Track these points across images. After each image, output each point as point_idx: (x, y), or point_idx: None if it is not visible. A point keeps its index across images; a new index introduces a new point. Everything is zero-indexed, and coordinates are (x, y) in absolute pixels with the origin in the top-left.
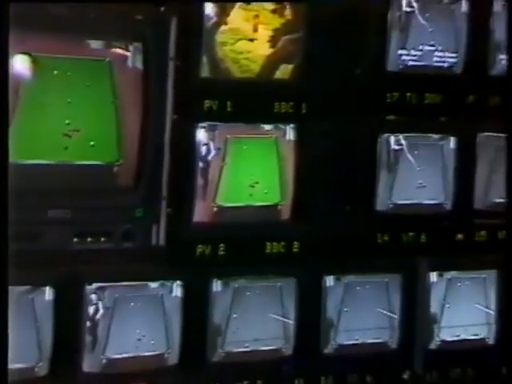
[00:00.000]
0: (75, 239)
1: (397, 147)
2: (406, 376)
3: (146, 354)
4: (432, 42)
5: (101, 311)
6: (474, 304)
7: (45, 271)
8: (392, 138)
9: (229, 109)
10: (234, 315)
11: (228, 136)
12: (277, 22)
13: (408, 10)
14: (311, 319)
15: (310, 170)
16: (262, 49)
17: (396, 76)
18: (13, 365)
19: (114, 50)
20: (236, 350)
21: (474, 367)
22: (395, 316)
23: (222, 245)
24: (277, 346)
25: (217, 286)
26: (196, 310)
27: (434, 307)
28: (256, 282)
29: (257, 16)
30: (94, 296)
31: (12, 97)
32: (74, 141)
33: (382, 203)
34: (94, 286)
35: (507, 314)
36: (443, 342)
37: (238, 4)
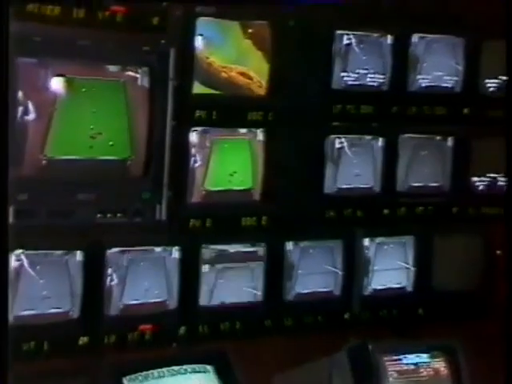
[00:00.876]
0: (98, 215)
1: (339, 146)
2: (346, 316)
3: (152, 300)
4: (366, 67)
5: (118, 269)
6: (396, 261)
7: (76, 239)
8: (336, 140)
9: (214, 117)
10: (220, 275)
11: (213, 137)
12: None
13: (347, 42)
14: (277, 275)
15: (276, 163)
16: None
17: (339, 92)
18: (52, 310)
19: (127, 73)
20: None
21: (397, 308)
22: (339, 271)
23: (208, 219)
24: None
25: (205, 250)
26: (190, 268)
27: (367, 264)
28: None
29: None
30: (113, 258)
31: (50, 108)
32: (97, 141)
33: (328, 188)
34: (113, 250)
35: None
36: (374, 289)
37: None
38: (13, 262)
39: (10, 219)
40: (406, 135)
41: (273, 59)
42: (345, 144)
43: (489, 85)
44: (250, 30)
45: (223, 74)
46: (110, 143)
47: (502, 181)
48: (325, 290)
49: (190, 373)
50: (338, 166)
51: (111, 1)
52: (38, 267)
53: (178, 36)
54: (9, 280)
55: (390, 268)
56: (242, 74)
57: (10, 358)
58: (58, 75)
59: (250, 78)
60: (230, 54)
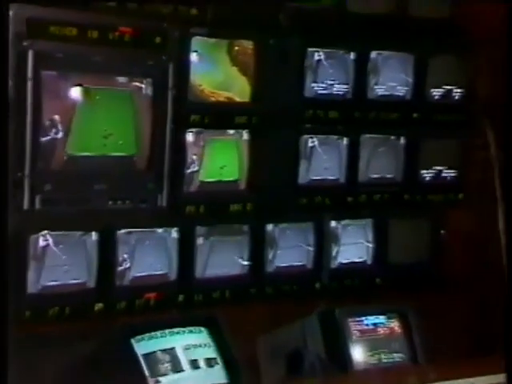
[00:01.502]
0: (110, 202)
1: (311, 144)
2: (317, 286)
3: (155, 273)
4: (332, 79)
5: (127, 247)
6: (358, 239)
7: (92, 222)
8: (308, 139)
9: (206, 120)
10: (212, 248)
11: (206, 137)
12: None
13: (317, 58)
14: (259, 251)
15: (258, 158)
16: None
17: (310, 100)
18: (72, 281)
19: (133, 83)
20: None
21: (359, 279)
22: (311, 248)
23: (202, 206)
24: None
25: (199, 231)
26: (186, 246)
27: (334, 242)
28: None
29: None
30: (122, 237)
31: (70, 113)
32: (109, 141)
33: (302, 179)
34: (123, 231)
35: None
36: (340, 263)
37: None
38: (40, 242)
39: (37, 206)
40: (367, 135)
41: (255, 80)
42: (316, 143)
43: (434, 93)
44: (236, 56)
45: (212, 98)
46: (120, 142)
47: (445, 173)
48: (299, 263)
49: (187, 333)
50: (310, 161)
51: (120, 23)
52: (60, 246)
53: (176, 52)
54: (36, 257)
55: (353, 245)
56: (228, 98)
57: (10, 353)
58: (77, 85)
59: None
60: (219, 81)
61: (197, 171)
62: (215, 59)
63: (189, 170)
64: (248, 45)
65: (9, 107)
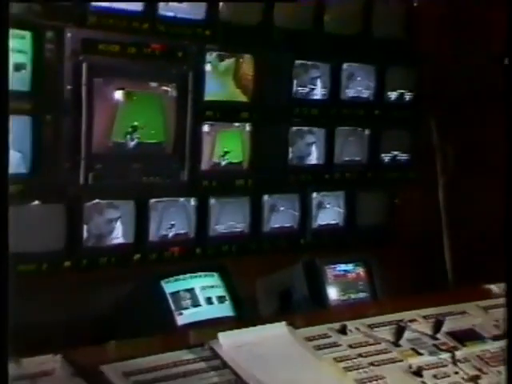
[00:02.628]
0: (144, 178)
1: (297, 134)
2: (302, 242)
3: (178, 232)
4: (314, 84)
5: (157, 212)
6: (333, 207)
7: (130, 193)
8: (296, 130)
9: (218, 115)
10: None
11: (217, 129)
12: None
13: (303, 68)
14: (257, 216)
15: (258, 145)
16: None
17: (297, 100)
18: (116, 238)
19: (162, 87)
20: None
21: (333, 236)
22: (297, 213)
23: (214, 181)
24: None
25: (211, 200)
26: (202, 212)
27: (315, 208)
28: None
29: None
30: (153, 205)
31: (114, 110)
32: (143, 131)
33: (291, 161)
34: (153, 200)
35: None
36: (319, 224)
37: None
38: (92, 208)
39: (90, 181)
40: (340, 128)
41: (255, 91)
42: (301, 133)
43: (390, 96)
44: (240, 80)
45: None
46: (152, 132)
47: (399, 156)
48: (288, 225)
49: (203, 277)
50: (298, 147)
51: (152, 41)
52: (107, 211)
53: (193, 64)
54: (89, 220)
55: (329, 211)
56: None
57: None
58: (119, 89)
59: None
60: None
61: (210, 154)
62: (223, 83)
63: (204, 154)
64: (249, 63)
65: (8, 108)
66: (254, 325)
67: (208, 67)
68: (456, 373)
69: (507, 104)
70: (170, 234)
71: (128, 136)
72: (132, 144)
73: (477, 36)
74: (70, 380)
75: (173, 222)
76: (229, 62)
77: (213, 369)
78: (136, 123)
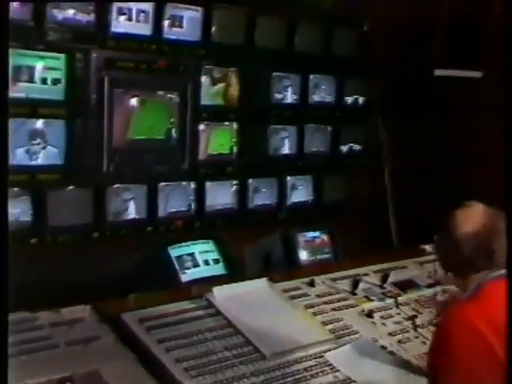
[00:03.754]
0: (153, 166)
1: (275, 131)
2: (279, 216)
3: (181, 209)
4: (288, 91)
5: (164, 193)
6: (303, 189)
7: (144, 178)
8: (274, 128)
9: (211, 117)
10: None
11: (211, 127)
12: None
13: (279, 78)
14: (244, 195)
15: (244, 140)
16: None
17: (274, 104)
18: (132, 213)
19: (168, 95)
20: (213, 210)
21: (304, 211)
22: (275, 193)
23: (209, 169)
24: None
25: (207, 184)
26: (201, 192)
27: (289, 190)
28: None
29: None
30: (161, 188)
31: (130, 113)
32: (153, 129)
33: (270, 152)
34: (162, 183)
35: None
36: (292, 202)
37: None
38: (113, 191)
39: (111, 169)
40: (309, 125)
41: (240, 97)
42: (278, 130)
43: (347, 100)
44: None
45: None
46: (160, 130)
47: (355, 148)
48: (268, 202)
49: (201, 244)
50: (275, 141)
51: (159, 59)
52: (125, 193)
53: (192, 77)
54: (110, 200)
55: (300, 191)
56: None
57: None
58: (134, 96)
59: None
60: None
61: (205, 147)
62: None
63: (201, 147)
64: (235, 76)
65: (8, 109)
66: (242, 281)
67: (203, 79)
68: (398, 314)
69: (507, 105)
70: (175, 211)
71: (140, 133)
72: (144, 140)
73: (413, 52)
74: (96, 326)
75: (176, 202)
76: (220, 77)
77: (209, 315)
78: (147, 123)
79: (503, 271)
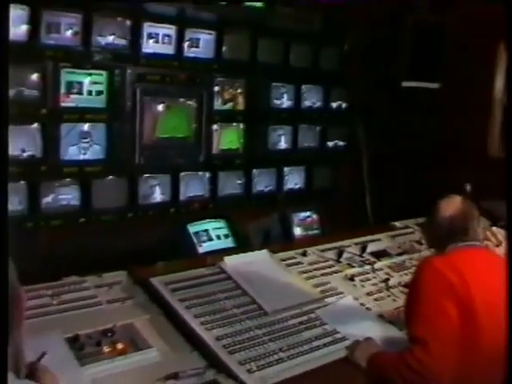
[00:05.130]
0: (177, 159)
1: (274, 130)
2: (278, 198)
3: (197, 194)
4: (283, 97)
5: (185, 182)
6: (297, 176)
7: (168, 169)
8: (272, 127)
9: (223, 119)
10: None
11: (223, 127)
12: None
13: (276, 88)
14: (249, 184)
15: (249, 138)
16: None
17: (273, 109)
18: (158, 196)
19: (187, 102)
20: (224, 195)
21: (298, 195)
22: (274, 180)
23: (220, 161)
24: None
25: (220, 174)
26: (213, 181)
27: (286, 177)
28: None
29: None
30: (183, 177)
31: (157, 116)
32: (176, 129)
33: (270, 147)
34: (183, 173)
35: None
36: (289, 188)
37: None
38: (144, 180)
39: (142, 162)
40: (301, 125)
41: (246, 103)
42: (277, 130)
43: (332, 105)
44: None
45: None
46: (182, 130)
47: (340, 144)
48: (268, 188)
49: (214, 222)
50: (274, 138)
51: (180, 73)
52: (154, 181)
53: (206, 86)
54: (143, 187)
55: (294, 179)
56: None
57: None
58: (161, 103)
59: None
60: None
61: (218, 144)
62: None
63: (214, 143)
64: (242, 85)
65: (8, 111)
66: (248, 252)
67: (216, 88)
68: (374, 277)
69: (508, 105)
70: (192, 196)
71: (166, 133)
72: (168, 138)
73: (382, 66)
74: (131, 287)
75: (194, 188)
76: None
77: (221, 280)
78: (171, 124)
79: (471, 242)
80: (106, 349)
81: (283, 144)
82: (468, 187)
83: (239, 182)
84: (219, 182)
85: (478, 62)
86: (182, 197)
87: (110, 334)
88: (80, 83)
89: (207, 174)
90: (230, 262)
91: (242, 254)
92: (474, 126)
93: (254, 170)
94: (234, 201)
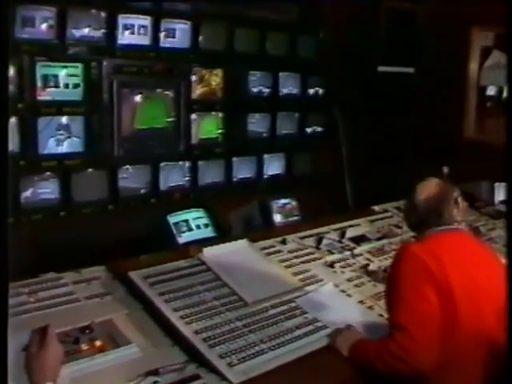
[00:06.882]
0: (157, 149)
1: (253, 118)
2: (258, 186)
3: (178, 183)
4: (262, 85)
5: (165, 171)
6: (277, 164)
7: (148, 160)
8: (251, 115)
9: (200, 107)
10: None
11: (200, 115)
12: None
13: (254, 76)
14: (229, 172)
15: (227, 126)
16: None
17: (251, 96)
18: (138, 186)
19: (165, 92)
20: (204, 184)
21: (278, 182)
22: (254, 168)
23: (200, 150)
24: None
25: (199, 163)
26: (193, 170)
27: (265, 164)
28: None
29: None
30: (163, 166)
31: (136, 107)
32: (155, 120)
33: (250, 135)
34: (163, 163)
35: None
36: (269, 175)
37: None
38: (123, 172)
39: (121, 154)
40: (280, 112)
41: (224, 91)
42: (255, 117)
43: (310, 92)
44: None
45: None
46: (160, 121)
47: (318, 129)
48: (249, 176)
49: (194, 212)
50: (253, 126)
51: (157, 64)
52: (132, 171)
53: (184, 76)
54: (121, 178)
55: (274, 165)
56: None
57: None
58: (139, 94)
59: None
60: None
61: (196, 133)
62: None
63: (193, 133)
64: (220, 74)
65: (8, 109)
66: (228, 242)
67: (193, 78)
68: (354, 263)
69: (509, 105)
70: (173, 185)
71: (144, 123)
72: (147, 129)
73: (358, 52)
74: (110, 282)
75: (175, 177)
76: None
77: (201, 272)
78: (150, 115)
79: (449, 226)
80: (84, 346)
81: (262, 132)
82: (446, 170)
83: (220, 170)
84: (199, 171)
85: (452, 47)
86: (162, 187)
87: (88, 331)
88: (56, 76)
89: (187, 164)
90: (209, 253)
91: (221, 245)
92: (450, 109)
93: (234, 159)
94: (214, 190)
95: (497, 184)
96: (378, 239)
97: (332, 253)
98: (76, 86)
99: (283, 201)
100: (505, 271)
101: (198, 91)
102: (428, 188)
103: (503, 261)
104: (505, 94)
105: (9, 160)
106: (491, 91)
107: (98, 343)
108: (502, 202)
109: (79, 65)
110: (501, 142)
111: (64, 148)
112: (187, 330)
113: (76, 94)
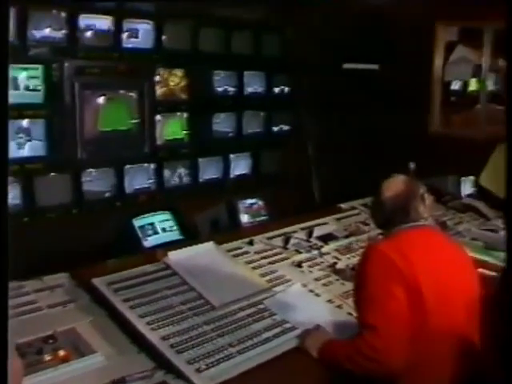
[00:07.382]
0: (119, 152)
1: (218, 118)
2: (225, 186)
3: (143, 186)
4: (227, 84)
5: (130, 174)
6: (244, 162)
7: (112, 162)
8: (217, 115)
9: (165, 109)
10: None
11: (165, 116)
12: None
13: (218, 76)
14: (196, 172)
15: (192, 127)
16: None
17: (217, 95)
18: (103, 189)
19: (128, 93)
20: (170, 185)
21: (252, 180)
22: (221, 168)
23: (165, 152)
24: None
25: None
26: (158, 172)
27: (232, 164)
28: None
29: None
30: (127, 169)
31: (99, 109)
32: (118, 121)
33: (214, 135)
34: (127, 166)
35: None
36: (235, 174)
37: None
38: (86, 175)
39: (84, 156)
40: (246, 111)
41: (189, 91)
42: (221, 116)
43: (275, 90)
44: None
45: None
46: (123, 122)
47: (284, 128)
48: (215, 176)
49: (160, 215)
50: (218, 126)
51: (119, 64)
52: (96, 174)
53: (147, 77)
54: (85, 182)
55: (241, 166)
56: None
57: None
58: (101, 95)
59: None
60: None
61: (161, 134)
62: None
63: (157, 134)
64: (183, 75)
65: (8, 109)
66: (195, 244)
67: (157, 79)
68: (322, 262)
69: (508, 104)
70: (139, 188)
71: (108, 125)
72: (111, 131)
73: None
74: (73, 290)
75: (140, 180)
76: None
77: (167, 276)
78: (113, 117)
79: (416, 223)
80: (47, 357)
81: (228, 131)
82: (412, 166)
83: (186, 171)
84: (165, 173)
85: (417, 42)
86: (127, 190)
87: (51, 341)
88: (15, 79)
89: (152, 166)
90: (174, 256)
91: (187, 248)
92: (415, 105)
93: (200, 159)
94: (180, 191)
95: (463, 178)
96: (346, 237)
97: (300, 252)
98: (37, 88)
99: (250, 201)
100: (472, 265)
101: (161, 92)
102: (394, 185)
103: (470, 255)
104: (470, 88)
105: None
106: (456, 85)
107: (61, 353)
108: (468, 196)
109: (40, 66)
110: (466, 136)
111: (25, 152)
112: (154, 337)
113: (37, 97)
